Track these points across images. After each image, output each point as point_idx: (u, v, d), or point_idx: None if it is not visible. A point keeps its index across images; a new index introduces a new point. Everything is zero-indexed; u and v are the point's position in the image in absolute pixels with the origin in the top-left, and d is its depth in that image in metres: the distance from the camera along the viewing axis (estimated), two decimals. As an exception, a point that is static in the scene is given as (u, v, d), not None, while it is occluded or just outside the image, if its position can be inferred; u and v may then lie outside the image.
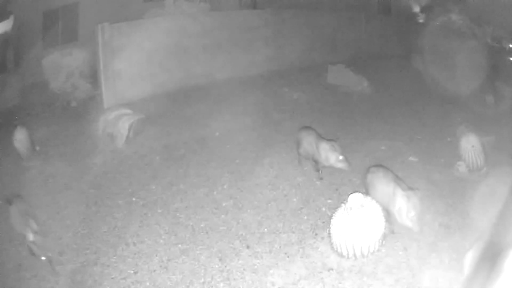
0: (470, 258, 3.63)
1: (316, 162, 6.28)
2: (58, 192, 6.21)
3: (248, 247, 5.08)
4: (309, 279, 4.56)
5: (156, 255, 4.98)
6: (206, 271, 4.73)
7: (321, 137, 6.35)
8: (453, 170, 6.64)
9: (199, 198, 6.05)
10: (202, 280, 4.62)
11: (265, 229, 5.39)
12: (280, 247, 5.06)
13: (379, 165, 5.48)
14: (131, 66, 8.89)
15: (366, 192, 5.24)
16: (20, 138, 6.86)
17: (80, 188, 6.32)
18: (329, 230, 4.94)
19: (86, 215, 5.72)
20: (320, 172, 6.31)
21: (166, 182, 6.44)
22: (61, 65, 9.25)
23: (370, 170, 5.36)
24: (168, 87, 9.33)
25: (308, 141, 6.34)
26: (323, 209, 5.73)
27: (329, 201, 5.89)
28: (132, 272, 4.76)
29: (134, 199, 6.07)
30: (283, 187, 6.25)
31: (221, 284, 4.56)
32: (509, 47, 11.08)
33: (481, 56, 10.18)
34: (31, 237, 4.65)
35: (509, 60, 11.01)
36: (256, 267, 4.76)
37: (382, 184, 5.07)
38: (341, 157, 5.94)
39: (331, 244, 4.92)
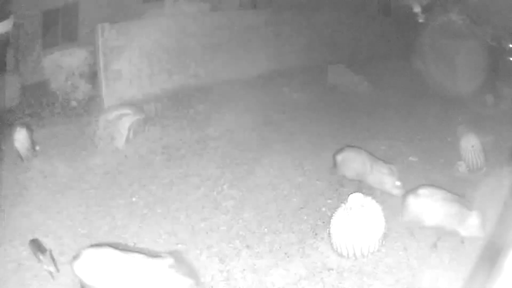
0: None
1: (363, 183, 5.79)
2: (58, 192, 6.21)
3: (248, 247, 5.09)
4: (309, 279, 4.56)
5: (156, 255, 4.98)
6: (206, 271, 4.72)
7: (376, 158, 5.88)
8: (453, 170, 6.64)
9: (199, 198, 6.05)
10: (202, 280, 4.62)
11: (265, 229, 5.39)
12: (280, 247, 5.06)
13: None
14: (131, 66, 8.89)
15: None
16: (20, 138, 6.85)
17: (80, 188, 6.32)
18: (329, 230, 4.94)
19: (86, 215, 5.72)
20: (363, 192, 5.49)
21: (166, 182, 6.45)
22: (61, 65, 9.24)
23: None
24: (168, 87, 9.32)
25: (360, 161, 5.79)
26: (323, 209, 5.74)
27: (329, 201, 5.90)
28: (132, 272, 4.75)
29: (134, 199, 6.07)
30: (283, 187, 6.25)
31: (221, 284, 4.56)
32: (509, 47, 11.07)
33: (481, 56, 10.18)
34: None
35: (509, 60, 11.00)
36: (256, 267, 4.76)
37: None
38: (398, 183, 5.51)
39: (331, 244, 4.92)
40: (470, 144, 6.48)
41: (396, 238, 5.09)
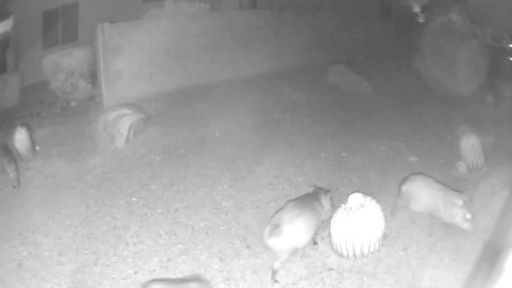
0: None
1: (431, 217, 5.27)
2: (58, 192, 6.21)
3: (248, 247, 5.08)
4: (309, 279, 4.56)
5: (156, 255, 4.98)
6: (206, 271, 4.72)
7: (446, 187, 5.16)
8: (453, 170, 6.64)
9: (199, 198, 6.05)
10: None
11: (265, 229, 5.39)
12: (280, 247, 5.05)
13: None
14: (131, 66, 8.89)
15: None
16: (20, 138, 6.86)
17: (80, 188, 6.32)
18: (329, 230, 4.94)
19: (86, 215, 5.72)
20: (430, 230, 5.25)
21: (166, 182, 6.44)
22: (61, 65, 9.24)
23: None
24: (168, 87, 9.33)
25: (430, 194, 5.07)
26: (323, 209, 5.72)
27: (329, 201, 5.89)
28: (132, 272, 4.76)
29: (134, 199, 6.06)
30: (283, 187, 6.25)
31: (221, 284, 4.56)
32: (509, 47, 11.07)
33: (481, 56, 10.18)
34: None
35: (509, 60, 11.01)
36: (256, 267, 4.76)
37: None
38: (469, 216, 4.87)
39: (331, 244, 4.92)
40: (470, 144, 6.48)
41: (396, 238, 5.10)
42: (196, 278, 4.17)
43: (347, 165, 6.82)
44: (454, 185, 6.10)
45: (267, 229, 4.42)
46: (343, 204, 4.86)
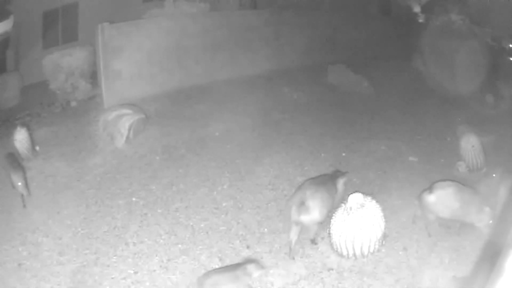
0: None
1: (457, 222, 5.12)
2: (58, 192, 6.21)
3: (248, 247, 5.09)
4: (309, 279, 4.56)
5: (156, 255, 4.99)
6: (206, 271, 4.72)
7: (474, 190, 5.04)
8: (453, 170, 6.64)
9: (199, 198, 6.05)
10: (202, 280, 4.62)
11: (265, 229, 5.39)
12: (280, 247, 5.06)
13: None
14: (131, 66, 8.89)
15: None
16: (20, 138, 6.85)
17: (80, 188, 6.32)
18: (329, 230, 4.94)
19: (86, 215, 5.72)
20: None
21: (166, 182, 6.44)
22: (61, 65, 9.24)
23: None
24: (168, 87, 9.33)
25: (462, 201, 4.85)
26: (323, 209, 5.72)
27: (329, 201, 5.88)
28: (132, 272, 4.76)
29: (134, 199, 6.06)
30: (283, 187, 6.24)
31: (221, 284, 4.56)
32: (509, 47, 11.08)
33: (481, 56, 10.18)
34: None
35: (509, 60, 11.01)
36: (256, 267, 4.76)
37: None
38: (491, 221, 4.78)
39: (331, 244, 4.93)
40: (470, 144, 6.48)
41: (396, 238, 5.10)
42: (252, 261, 4.41)
43: (347, 165, 6.81)
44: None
45: (294, 208, 4.79)
46: (343, 204, 4.86)
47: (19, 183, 5.80)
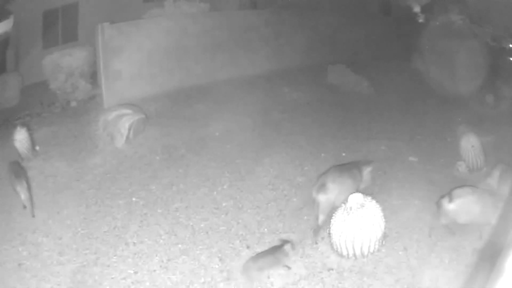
0: None
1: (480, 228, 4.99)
2: (58, 192, 6.21)
3: (248, 247, 5.08)
4: (309, 279, 4.56)
5: (156, 255, 4.99)
6: (206, 271, 4.73)
7: (491, 193, 5.05)
8: (453, 170, 6.64)
9: (199, 198, 6.05)
10: (202, 280, 4.62)
11: (265, 229, 5.39)
12: (280, 247, 5.05)
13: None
14: (131, 66, 8.89)
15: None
16: (20, 138, 6.85)
17: (80, 188, 6.32)
18: (329, 230, 4.94)
19: (86, 215, 5.72)
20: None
21: (166, 182, 6.44)
22: (61, 65, 9.24)
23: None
24: (168, 87, 9.32)
25: (482, 206, 4.81)
26: (323, 209, 5.72)
27: (329, 201, 5.88)
28: (132, 272, 4.76)
29: (134, 199, 6.06)
30: (283, 187, 6.25)
31: (221, 284, 4.56)
32: (509, 47, 11.08)
33: (481, 56, 10.18)
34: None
35: (509, 60, 11.01)
36: (256, 267, 4.76)
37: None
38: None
39: (331, 244, 4.93)
40: (470, 144, 6.48)
41: (396, 238, 5.10)
42: (287, 241, 4.74)
43: (347, 165, 6.81)
44: (454, 185, 6.13)
45: (315, 187, 5.16)
46: (343, 204, 4.86)
47: (23, 196, 5.71)
